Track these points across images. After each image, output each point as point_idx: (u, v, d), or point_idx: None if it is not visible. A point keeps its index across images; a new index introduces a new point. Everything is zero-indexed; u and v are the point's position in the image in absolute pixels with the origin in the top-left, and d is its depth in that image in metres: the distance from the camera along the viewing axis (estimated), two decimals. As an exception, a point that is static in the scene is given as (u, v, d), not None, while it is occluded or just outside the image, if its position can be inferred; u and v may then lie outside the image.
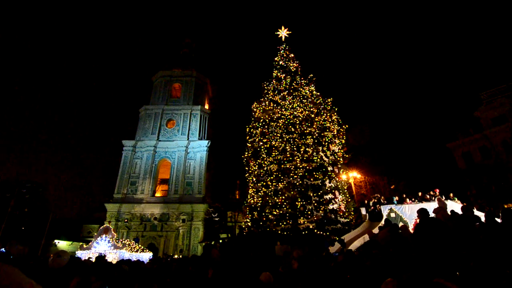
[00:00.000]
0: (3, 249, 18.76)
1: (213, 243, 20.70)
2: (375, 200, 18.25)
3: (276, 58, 25.84)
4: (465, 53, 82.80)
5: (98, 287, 3.52)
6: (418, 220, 14.64)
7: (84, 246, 20.71)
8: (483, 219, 6.96)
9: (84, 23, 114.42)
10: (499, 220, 6.48)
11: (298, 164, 19.37)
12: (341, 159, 20.93)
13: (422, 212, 6.51)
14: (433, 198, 16.12)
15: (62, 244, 36.75)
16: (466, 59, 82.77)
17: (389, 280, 2.43)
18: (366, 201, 19.10)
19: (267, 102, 22.97)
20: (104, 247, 19.36)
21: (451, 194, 17.26)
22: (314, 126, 20.75)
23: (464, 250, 4.96)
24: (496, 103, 33.64)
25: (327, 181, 19.08)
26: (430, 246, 5.20)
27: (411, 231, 9.87)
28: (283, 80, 23.71)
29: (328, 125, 21.15)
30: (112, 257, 17.94)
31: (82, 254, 18.30)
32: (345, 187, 21.31)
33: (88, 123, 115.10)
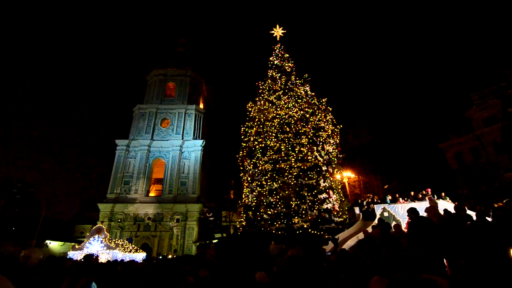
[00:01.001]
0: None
1: (207, 242, 20.65)
2: (369, 200, 18.42)
3: (271, 58, 25.85)
4: (457, 55, 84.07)
5: (83, 284, 3.48)
6: (409, 219, 14.87)
7: (77, 246, 20.47)
8: (474, 218, 7.08)
9: (77, 20, 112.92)
10: (489, 219, 6.60)
11: (293, 164, 19.42)
12: (335, 159, 21.05)
13: (413, 212, 6.60)
14: (425, 198, 16.33)
15: (54, 245, 36.21)
16: (457, 61, 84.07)
17: (377, 278, 2.45)
18: (359, 201, 19.26)
19: (262, 102, 22.96)
20: (96, 248, 19.16)
21: (443, 194, 17.50)
22: (309, 126, 20.82)
23: (455, 248, 5.04)
24: (487, 104, 34.20)
25: (322, 180, 19.16)
26: (421, 244, 5.28)
27: (404, 229, 10.02)
28: (278, 80, 23.75)
29: (323, 125, 21.25)
30: (105, 257, 17.77)
31: (74, 255, 18.08)
32: (339, 187, 21.44)
33: (81, 122, 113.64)
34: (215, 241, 28.58)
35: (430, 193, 17.37)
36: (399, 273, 2.32)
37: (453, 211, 7.53)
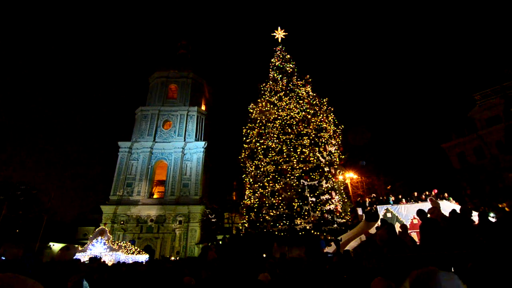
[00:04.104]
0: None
1: (209, 244, 20.66)
2: (371, 200, 18.33)
3: (272, 59, 25.90)
4: (459, 55, 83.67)
5: (75, 280, 3.48)
6: (414, 221, 14.77)
7: (80, 248, 20.52)
8: (475, 219, 7.03)
9: (80, 24, 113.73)
10: (492, 220, 6.54)
11: (295, 165, 19.38)
12: (337, 160, 20.99)
13: (421, 213, 6.62)
14: (428, 199, 16.21)
15: (57, 247, 36.35)
16: (460, 61, 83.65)
17: (378, 279, 2.43)
18: (361, 201, 19.17)
19: (263, 103, 22.97)
20: (99, 250, 19.22)
21: (446, 194, 17.39)
22: (310, 127, 20.78)
23: (461, 250, 5.00)
24: (490, 103, 33.99)
25: (324, 181, 19.11)
26: (433, 245, 5.22)
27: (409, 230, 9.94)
28: (280, 81, 23.76)
29: (325, 125, 21.20)
30: (108, 259, 17.81)
31: (78, 257, 18.14)
32: (342, 188, 21.36)
33: (84, 124, 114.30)
34: (220, 242, 28.50)
35: (434, 194, 17.25)
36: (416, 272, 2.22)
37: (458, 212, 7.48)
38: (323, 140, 20.47)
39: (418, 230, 6.76)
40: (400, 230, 8.25)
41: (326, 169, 19.69)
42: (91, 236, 22.28)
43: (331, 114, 22.22)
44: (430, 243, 5.69)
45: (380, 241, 7.45)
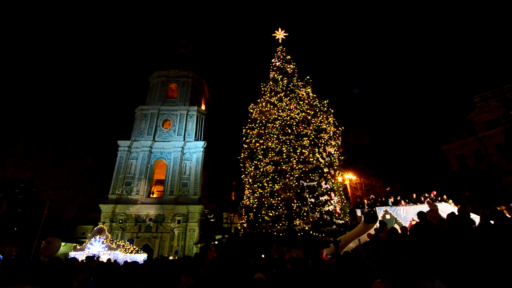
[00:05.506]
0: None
1: (208, 244, 20.62)
2: (370, 202, 18.32)
3: (272, 60, 25.89)
4: (459, 57, 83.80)
5: (81, 281, 3.49)
6: (412, 222, 14.76)
7: (78, 247, 20.50)
8: (477, 221, 7.02)
9: (80, 22, 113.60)
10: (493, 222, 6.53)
11: (294, 166, 19.37)
12: (337, 161, 20.98)
13: (421, 215, 6.65)
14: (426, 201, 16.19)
15: (55, 245, 36.18)
16: (460, 63, 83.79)
17: (378, 281, 2.42)
18: (360, 203, 19.16)
19: (263, 103, 22.96)
20: (98, 248, 19.21)
21: (445, 196, 17.39)
22: (310, 128, 20.77)
23: (459, 252, 4.99)
24: (490, 106, 34.06)
25: (323, 182, 19.09)
26: (422, 247, 5.23)
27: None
28: (280, 82, 23.73)
29: (324, 126, 21.18)
30: (106, 258, 17.77)
31: (76, 255, 18.11)
32: (341, 189, 21.35)
33: (83, 123, 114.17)
34: (217, 242, 28.46)
35: (433, 195, 17.25)
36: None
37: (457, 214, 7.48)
38: (323, 141, 20.46)
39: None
40: (400, 231, 8.26)
41: (326, 170, 19.68)
42: (89, 235, 22.24)
43: (331, 115, 22.20)
44: (420, 245, 5.70)
45: (380, 243, 7.45)
